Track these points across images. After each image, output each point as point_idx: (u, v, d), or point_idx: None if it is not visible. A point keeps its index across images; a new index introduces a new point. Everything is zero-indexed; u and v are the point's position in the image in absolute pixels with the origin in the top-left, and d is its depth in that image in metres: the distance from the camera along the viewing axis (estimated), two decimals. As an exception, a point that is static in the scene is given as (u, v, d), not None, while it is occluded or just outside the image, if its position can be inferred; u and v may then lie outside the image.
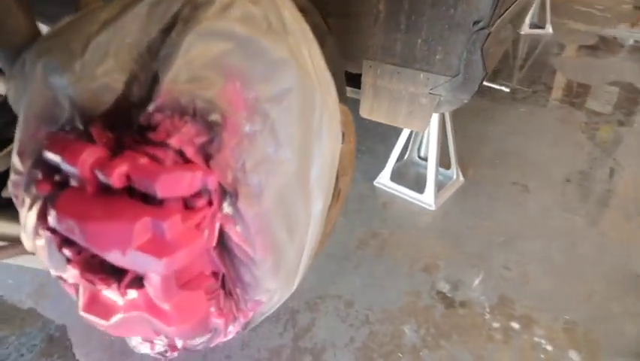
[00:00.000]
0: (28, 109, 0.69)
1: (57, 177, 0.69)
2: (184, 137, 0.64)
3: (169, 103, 0.64)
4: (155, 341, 0.87)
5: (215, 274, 0.77)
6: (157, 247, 0.62)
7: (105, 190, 0.66)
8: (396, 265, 1.80)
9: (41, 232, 0.73)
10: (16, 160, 0.70)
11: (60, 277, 0.75)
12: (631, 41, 4.48)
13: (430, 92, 1.50)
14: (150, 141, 0.65)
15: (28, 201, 0.72)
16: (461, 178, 2.28)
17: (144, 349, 0.92)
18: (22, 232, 0.79)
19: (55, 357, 1.40)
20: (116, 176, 0.62)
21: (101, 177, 0.63)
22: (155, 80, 0.66)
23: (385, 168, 2.23)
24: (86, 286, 0.74)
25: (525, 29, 4.75)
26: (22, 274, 1.66)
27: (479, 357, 1.47)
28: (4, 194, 0.77)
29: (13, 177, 0.72)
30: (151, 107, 0.64)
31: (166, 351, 0.93)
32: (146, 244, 0.62)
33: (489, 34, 1.33)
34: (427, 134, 2.21)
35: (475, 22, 1.33)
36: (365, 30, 1.49)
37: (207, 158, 0.67)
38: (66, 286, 0.80)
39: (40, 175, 0.69)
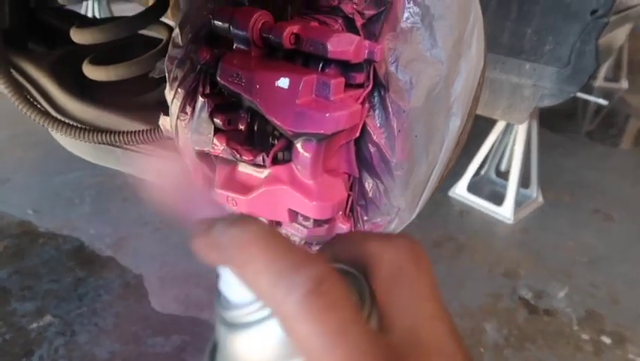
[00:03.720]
0: (198, -16, 0.72)
1: (216, 49, 0.71)
2: (355, 6, 0.64)
3: (345, -28, 0.65)
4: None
5: (348, 177, 0.75)
6: (321, 105, 0.61)
7: (268, 55, 0.67)
8: (474, 267, 1.72)
9: (189, 108, 0.74)
10: (176, 34, 0.72)
11: (198, 154, 0.75)
12: None
13: (535, 83, 1.48)
14: (319, 9, 0.66)
15: (180, 75, 0.74)
16: (540, 199, 2.20)
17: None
18: (162, 117, 0.81)
19: (131, 301, 1.39)
20: (287, 35, 0.62)
21: (271, 37, 0.64)
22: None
23: (462, 179, 2.19)
24: (223, 165, 0.74)
25: (599, 82, 4.67)
26: (104, 226, 1.70)
27: (568, 364, 1.36)
28: (155, 74, 0.79)
29: (171, 50, 0.74)
30: (326, -24, 0.65)
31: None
32: (311, 102, 0.61)
33: (606, 23, 1.31)
34: (510, 148, 2.16)
35: (593, 12, 1.32)
36: (472, 17, 1.48)
37: (369, 38, 0.67)
38: (197, 173, 0.80)
39: (200, 45, 0.71)
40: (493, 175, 2.31)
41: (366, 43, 0.63)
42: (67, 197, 1.81)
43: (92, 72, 0.97)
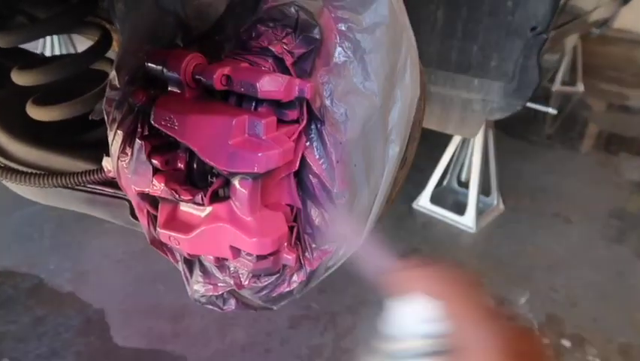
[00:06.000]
0: (133, 27, 0.73)
1: (152, 91, 0.72)
2: (284, 46, 0.66)
3: (273, 14, 0.67)
4: (219, 285, 0.85)
5: (291, 208, 0.76)
6: (253, 144, 0.62)
7: (202, 96, 0.68)
8: (439, 279, 1.75)
9: (128, 149, 0.74)
10: (113, 76, 0.73)
11: (140, 194, 0.75)
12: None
13: (484, 98, 1.52)
14: (250, 49, 0.67)
15: (118, 117, 0.74)
16: (501, 206, 2.25)
17: (204, 298, 0.90)
18: (105, 158, 0.81)
19: (92, 338, 1.37)
20: (218, 77, 0.64)
21: (202, 80, 0.65)
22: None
23: (425, 191, 2.22)
24: (165, 204, 0.74)
25: (556, 86, 4.83)
26: (64, 260, 1.67)
27: (530, 371, 1.39)
28: (94, 116, 0.79)
29: (108, 93, 0.74)
30: (255, 18, 0.67)
31: (225, 300, 0.91)
32: (243, 142, 0.62)
33: (546, 39, 1.36)
34: (468, 159, 2.22)
35: (533, 29, 1.37)
36: (421, 37, 1.53)
37: (301, 74, 0.68)
38: (140, 213, 0.80)
39: (136, 88, 0.71)
40: (455, 185, 2.36)
41: (297, 81, 0.65)
42: (26, 233, 1.77)
43: (36, 112, 0.96)
